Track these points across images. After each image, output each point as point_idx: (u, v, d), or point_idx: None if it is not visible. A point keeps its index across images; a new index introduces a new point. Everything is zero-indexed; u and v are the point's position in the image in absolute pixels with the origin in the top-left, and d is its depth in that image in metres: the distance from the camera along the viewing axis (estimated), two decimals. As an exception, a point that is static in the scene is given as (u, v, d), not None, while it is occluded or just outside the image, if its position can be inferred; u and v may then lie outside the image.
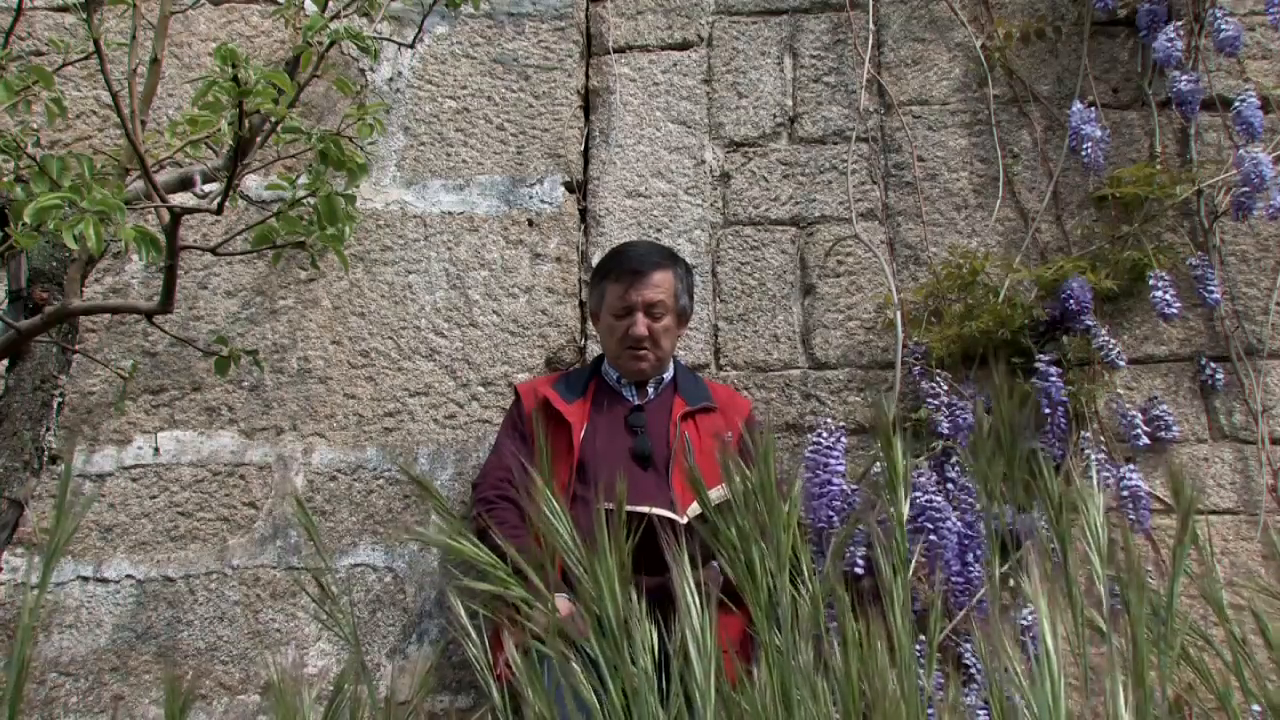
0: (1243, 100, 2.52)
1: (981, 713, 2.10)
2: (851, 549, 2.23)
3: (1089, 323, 2.46)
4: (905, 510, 0.97)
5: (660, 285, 2.24)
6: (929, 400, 2.44)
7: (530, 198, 2.71)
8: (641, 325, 2.22)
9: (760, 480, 0.98)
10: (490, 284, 2.65)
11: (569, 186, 2.73)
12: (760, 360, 2.62)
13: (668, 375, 2.31)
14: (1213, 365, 2.53)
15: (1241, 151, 2.46)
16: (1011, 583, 2.32)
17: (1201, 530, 2.46)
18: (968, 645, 2.24)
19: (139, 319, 2.56)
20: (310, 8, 2.18)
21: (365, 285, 2.65)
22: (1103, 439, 2.46)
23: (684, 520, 1.95)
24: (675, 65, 2.85)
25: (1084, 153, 2.55)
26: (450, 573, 2.40)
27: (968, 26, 2.81)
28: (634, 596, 1.00)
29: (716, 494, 2.05)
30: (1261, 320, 2.58)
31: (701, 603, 0.94)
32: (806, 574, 1.03)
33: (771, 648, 0.97)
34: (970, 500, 2.27)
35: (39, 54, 2.83)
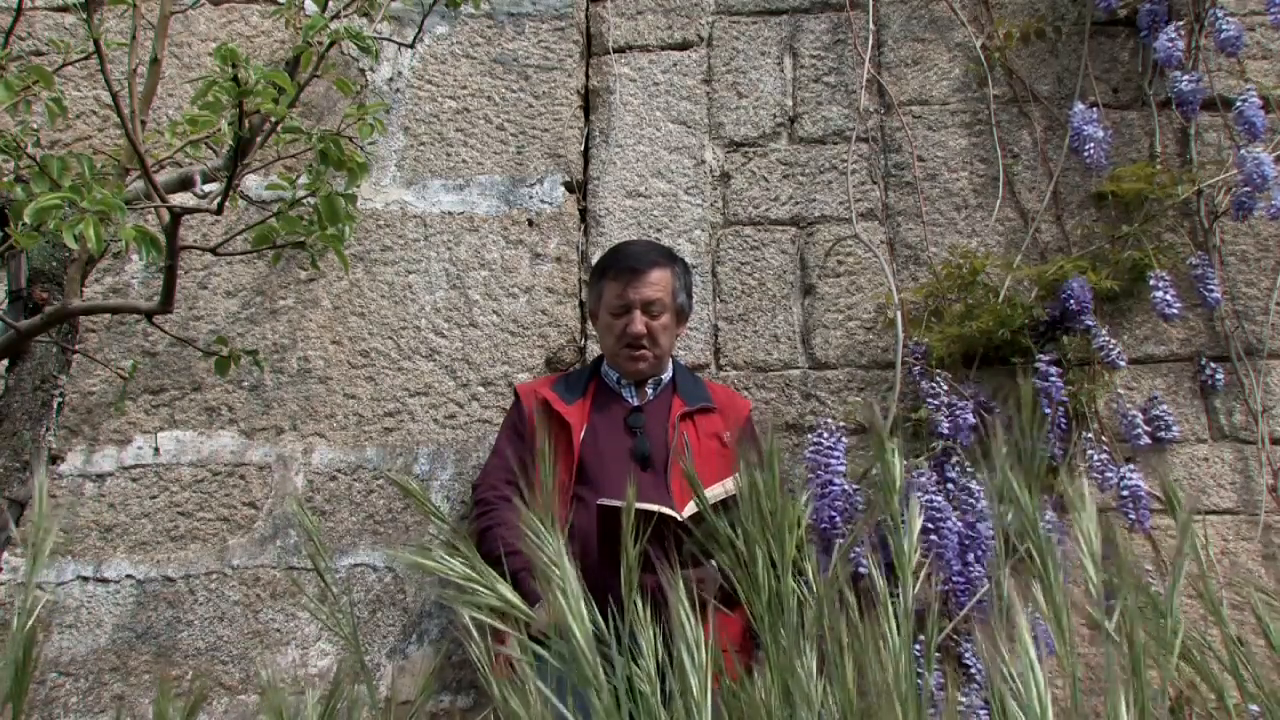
0: (1244, 100, 2.51)
1: (982, 712, 2.10)
2: (857, 549, 2.22)
3: (1089, 323, 2.46)
4: (915, 519, 0.95)
5: (658, 283, 2.24)
6: (929, 400, 2.43)
7: (530, 198, 2.71)
8: (639, 323, 2.22)
9: (766, 481, 0.97)
10: (490, 284, 2.65)
11: (569, 186, 2.73)
12: (760, 360, 2.62)
13: (666, 376, 2.31)
14: (1213, 365, 2.53)
15: (1243, 151, 2.45)
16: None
17: (1201, 530, 2.46)
18: (968, 645, 2.24)
19: (139, 319, 2.56)
20: (310, 8, 2.18)
21: (365, 285, 2.65)
22: (1103, 439, 2.46)
23: (682, 517, 1.95)
24: (675, 65, 2.85)
25: (1086, 153, 2.55)
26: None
27: (968, 26, 2.81)
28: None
29: (714, 493, 2.05)
30: (1261, 320, 2.58)
31: (695, 609, 0.93)
32: (811, 575, 1.03)
33: (773, 649, 0.96)
34: (970, 500, 2.27)
35: (39, 54, 2.83)
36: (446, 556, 0.99)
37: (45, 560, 0.77)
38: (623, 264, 2.26)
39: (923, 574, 2.32)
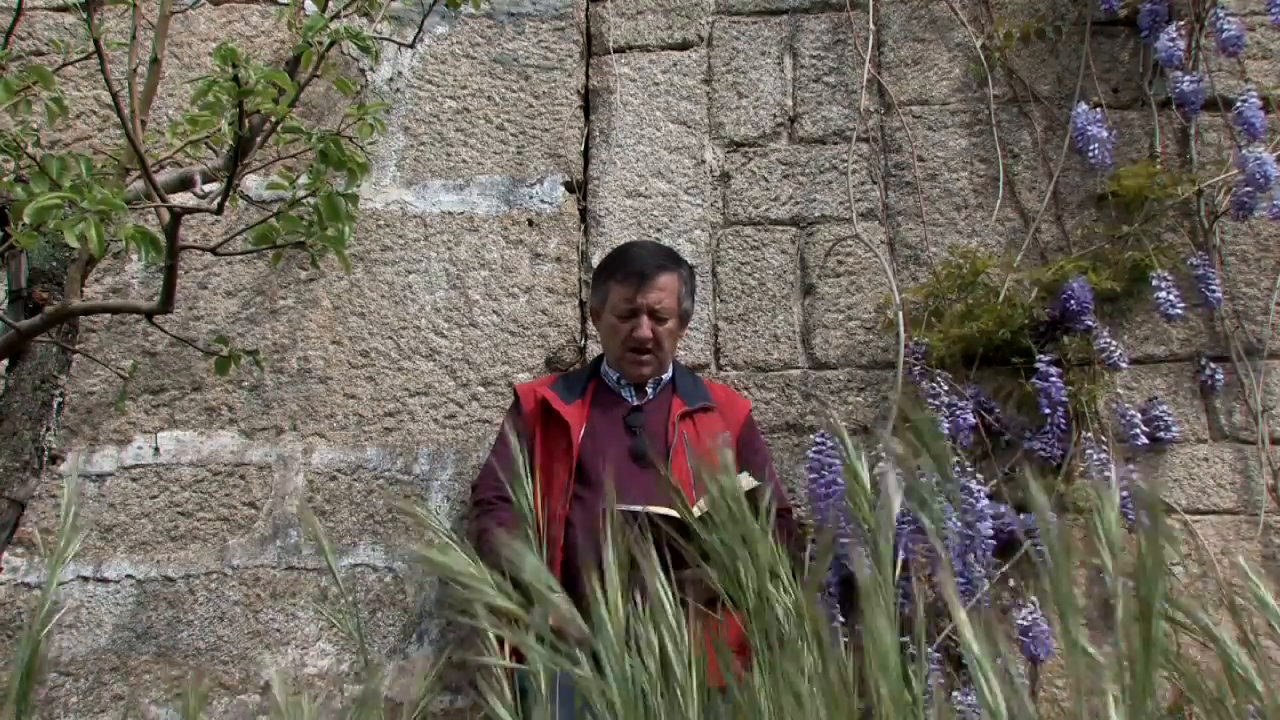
0: (1244, 100, 2.51)
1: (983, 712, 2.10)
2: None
3: (1089, 323, 2.46)
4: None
5: (665, 288, 2.23)
6: (929, 400, 2.44)
7: (530, 198, 2.71)
8: (646, 328, 2.21)
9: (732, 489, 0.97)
10: (490, 284, 2.65)
11: (569, 186, 2.73)
12: (760, 360, 2.62)
13: (666, 376, 2.31)
14: (1213, 365, 2.53)
15: (1244, 151, 2.45)
16: (1011, 582, 2.32)
17: (1202, 530, 2.46)
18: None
19: (139, 319, 2.56)
20: (310, 8, 2.18)
21: (365, 285, 2.65)
22: (1103, 439, 2.46)
23: (691, 518, 1.95)
24: (675, 65, 2.85)
25: (1090, 154, 2.54)
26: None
27: (968, 26, 2.81)
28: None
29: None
30: (1261, 320, 2.58)
31: (682, 610, 0.93)
32: (787, 580, 1.02)
33: (763, 654, 0.96)
34: (970, 500, 2.27)
35: (39, 54, 2.83)
36: (449, 554, 0.99)
37: (59, 567, 0.76)
38: (632, 268, 2.24)
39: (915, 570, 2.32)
